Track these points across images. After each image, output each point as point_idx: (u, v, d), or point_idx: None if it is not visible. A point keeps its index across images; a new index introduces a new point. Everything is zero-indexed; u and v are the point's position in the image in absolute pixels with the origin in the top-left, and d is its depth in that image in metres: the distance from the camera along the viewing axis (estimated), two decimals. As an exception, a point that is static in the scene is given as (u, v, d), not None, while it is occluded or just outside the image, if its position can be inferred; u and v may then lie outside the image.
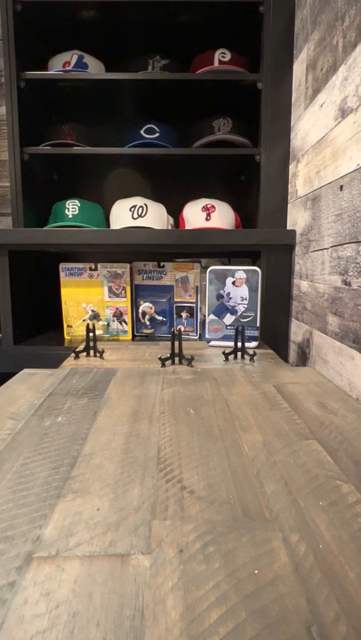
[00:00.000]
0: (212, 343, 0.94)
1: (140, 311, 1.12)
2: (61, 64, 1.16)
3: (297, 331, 1.04)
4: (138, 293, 1.12)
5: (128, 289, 1.09)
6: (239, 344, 0.85)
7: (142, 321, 1.13)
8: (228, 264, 1.24)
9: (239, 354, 0.82)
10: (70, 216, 1.14)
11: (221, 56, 1.14)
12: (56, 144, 1.16)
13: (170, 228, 1.18)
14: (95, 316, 1.10)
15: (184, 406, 0.51)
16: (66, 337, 1.15)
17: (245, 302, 0.90)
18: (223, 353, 0.79)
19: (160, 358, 0.74)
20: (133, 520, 0.29)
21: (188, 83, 1.13)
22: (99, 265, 1.09)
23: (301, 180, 1.00)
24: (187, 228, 1.16)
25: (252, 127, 1.21)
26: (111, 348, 0.92)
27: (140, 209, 1.12)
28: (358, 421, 0.47)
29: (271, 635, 0.20)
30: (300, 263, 1.02)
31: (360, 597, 0.23)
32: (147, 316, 1.12)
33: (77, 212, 1.14)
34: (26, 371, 0.66)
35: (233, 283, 0.90)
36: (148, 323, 1.12)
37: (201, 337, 1.11)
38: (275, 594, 0.23)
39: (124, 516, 0.30)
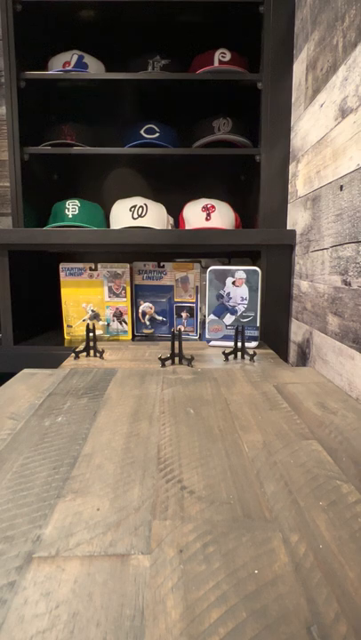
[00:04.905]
0: (212, 343, 0.94)
1: (140, 311, 1.12)
2: (61, 64, 1.16)
3: (297, 331, 1.04)
4: (138, 293, 1.12)
5: (128, 289, 1.09)
6: (239, 344, 0.85)
7: (142, 321, 1.13)
8: (228, 264, 1.24)
9: (239, 354, 0.82)
10: (70, 216, 1.14)
11: (221, 56, 1.14)
12: (56, 144, 1.16)
13: (170, 227, 1.18)
14: (95, 316, 1.10)
15: (184, 406, 0.51)
16: (66, 337, 1.14)
17: (245, 302, 0.90)
18: (223, 353, 0.79)
19: (160, 358, 0.74)
20: (133, 520, 0.29)
21: (188, 83, 1.13)
22: (99, 265, 1.09)
23: (301, 179, 1.00)
24: (187, 227, 1.16)
25: (252, 127, 1.21)
26: (111, 348, 0.92)
27: (140, 209, 1.12)
28: (358, 421, 0.47)
29: (271, 635, 0.20)
30: (300, 263, 1.02)
31: (360, 597, 0.23)
32: (147, 316, 1.12)
33: (77, 212, 1.14)
34: (26, 371, 0.66)
35: (233, 283, 0.90)
36: (148, 323, 1.12)
37: (201, 337, 1.11)
38: (275, 594, 0.23)
39: (124, 516, 0.30)
